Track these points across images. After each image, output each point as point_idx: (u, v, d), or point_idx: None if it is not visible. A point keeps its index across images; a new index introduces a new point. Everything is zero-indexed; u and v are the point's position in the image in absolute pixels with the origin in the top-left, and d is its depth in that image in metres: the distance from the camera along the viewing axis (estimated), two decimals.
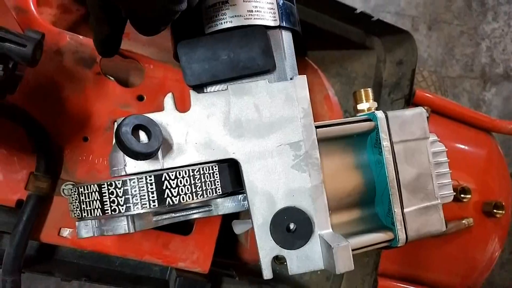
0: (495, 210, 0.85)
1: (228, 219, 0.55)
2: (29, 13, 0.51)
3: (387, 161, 0.48)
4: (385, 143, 0.49)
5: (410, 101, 0.73)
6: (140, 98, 0.55)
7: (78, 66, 0.52)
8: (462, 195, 0.84)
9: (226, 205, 0.44)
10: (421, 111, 0.51)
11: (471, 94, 1.73)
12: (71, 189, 0.40)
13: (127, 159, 0.41)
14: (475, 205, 0.86)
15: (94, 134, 0.52)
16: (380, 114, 0.49)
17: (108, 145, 0.51)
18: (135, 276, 0.54)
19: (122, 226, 0.40)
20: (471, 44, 1.76)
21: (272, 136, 0.44)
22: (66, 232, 0.49)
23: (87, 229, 0.41)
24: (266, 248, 0.42)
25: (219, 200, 0.44)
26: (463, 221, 0.83)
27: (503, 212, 0.85)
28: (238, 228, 0.50)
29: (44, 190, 0.48)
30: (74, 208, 0.40)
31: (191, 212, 0.43)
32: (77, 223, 0.41)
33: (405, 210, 0.49)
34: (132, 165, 0.40)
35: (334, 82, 0.77)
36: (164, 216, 0.42)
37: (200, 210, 0.43)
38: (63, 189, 0.49)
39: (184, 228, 0.55)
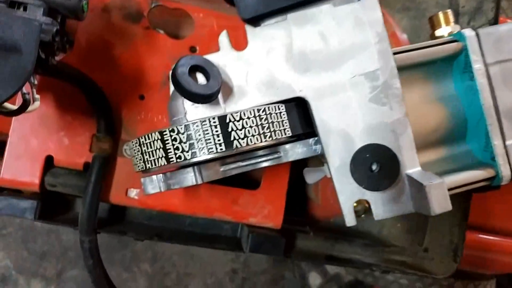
0: None
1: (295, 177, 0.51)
2: None
3: (481, 86, 0.41)
4: (478, 66, 0.41)
5: None
6: (193, 49, 0.51)
7: (126, 22, 0.50)
8: None
9: (296, 151, 0.40)
10: None
11: None
12: (133, 142, 0.38)
13: (187, 106, 0.38)
14: None
15: (150, 91, 0.50)
16: (468, 32, 0.42)
17: (166, 102, 0.48)
18: (206, 235, 0.52)
19: (189, 177, 0.37)
20: None
21: (343, 67, 0.38)
22: (133, 193, 0.48)
23: (153, 185, 0.39)
24: (347, 193, 0.38)
25: (288, 145, 0.40)
26: None
27: None
28: (311, 177, 0.45)
29: (107, 151, 0.47)
30: (137, 161, 0.38)
31: (260, 159, 0.39)
32: (142, 179, 0.39)
33: (507, 142, 0.41)
34: (193, 112, 0.37)
35: (401, 17, 0.68)
36: (232, 166, 0.38)
37: (268, 158, 0.39)
38: (125, 149, 0.48)
39: (251, 184, 0.52)
